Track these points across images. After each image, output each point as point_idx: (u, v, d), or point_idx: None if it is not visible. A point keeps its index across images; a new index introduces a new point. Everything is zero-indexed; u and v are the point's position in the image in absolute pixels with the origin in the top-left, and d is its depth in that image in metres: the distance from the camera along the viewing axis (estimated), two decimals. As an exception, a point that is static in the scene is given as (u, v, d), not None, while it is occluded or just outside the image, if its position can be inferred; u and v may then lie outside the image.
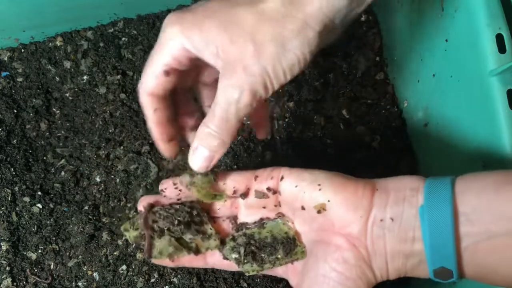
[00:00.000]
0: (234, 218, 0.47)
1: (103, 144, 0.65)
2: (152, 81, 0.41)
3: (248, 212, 0.46)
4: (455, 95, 0.54)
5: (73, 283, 0.60)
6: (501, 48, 0.46)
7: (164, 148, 0.45)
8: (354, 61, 0.72)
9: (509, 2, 0.46)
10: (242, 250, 0.44)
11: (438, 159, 0.60)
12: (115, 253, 0.60)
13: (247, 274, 0.45)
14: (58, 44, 0.71)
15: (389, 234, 0.40)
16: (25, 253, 0.61)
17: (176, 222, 0.45)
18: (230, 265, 0.46)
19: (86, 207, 0.62)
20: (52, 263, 0.61)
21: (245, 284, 0.57)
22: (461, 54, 0.51)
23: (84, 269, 0.60)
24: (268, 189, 0.43)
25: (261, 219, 0.46)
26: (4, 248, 0.60)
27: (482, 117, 0.49)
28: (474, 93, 0.50)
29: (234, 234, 0.46)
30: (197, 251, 0.45)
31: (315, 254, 0.43)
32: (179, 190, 0.45)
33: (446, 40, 0.53)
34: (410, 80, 0.65)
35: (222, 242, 0.46)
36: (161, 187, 0.45)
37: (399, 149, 0.66)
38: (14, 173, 0.64)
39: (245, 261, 0.44)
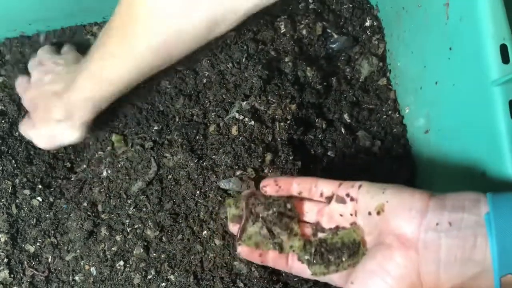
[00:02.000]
0: (316, 224, 0.51)
1: (106, 137, 0.65)
2: None
3: (328, 220, 0.50)
4: (457, 103, 0.54)
5: (70, 277, 0.60)
6: (505, 59, 0.46)
7: None
8: (357, 66, 0.72)
9: (514, 13, 0.47)
10: (312, 250, 0.48)
11: (438, 166, 0.60)
12: (113, 248, 0.60)
13: (314, 276, 0.49)
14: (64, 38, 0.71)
15: (445, 238, 0.40)
16: (23, 245, 0.61)
17: (271, 211, 0.50)
18: (305, 271, 0.49)
19: (85, 204, 0.62)
20: (50, 257, 0.61)
21: (241, 284, 0.57)
22: (464, 62, 0.51)
23: (82, 264, 0.60)
24: (347, 195, 0.47)
25: (337, 227, 0.49)
26: (2, 239, 0.61)
27: (483, 127, 0.49)
28: (476, 102, 0.50)
29: (311, 239, 0.50)
30: (281, 248, 0.50)
31: (368, 254, 0.45)
32: (279, 187, 0.50)
33: (450, 48, 0.54)
34: (412, 87, 0.65)
35: (304, 245, 0.49)
36: (262, 184, 0.51)
37: (399, 155, 0.66)
38: (15, 165, 0.64)
39: (314, 261, 0.48)
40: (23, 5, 0.65)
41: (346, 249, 0.47)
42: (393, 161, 0.66)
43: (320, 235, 0.50)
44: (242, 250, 0.51)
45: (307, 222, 0.52)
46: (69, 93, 0.57)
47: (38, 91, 0.61)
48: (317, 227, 0.51)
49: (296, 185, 0.50)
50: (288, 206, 0.51)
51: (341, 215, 0.48)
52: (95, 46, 0.54)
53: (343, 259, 0.47)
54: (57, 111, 0.58)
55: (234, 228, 0.52)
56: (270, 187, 0.50)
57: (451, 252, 0.40)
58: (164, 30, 0.48)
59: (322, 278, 0.49)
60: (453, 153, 0.56)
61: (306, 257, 0.49)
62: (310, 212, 0.51)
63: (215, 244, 0.58)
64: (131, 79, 0.54)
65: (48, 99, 0.59)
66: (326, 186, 0.49)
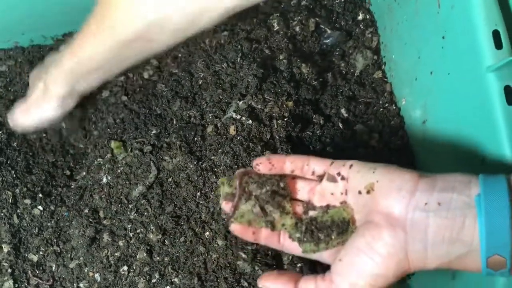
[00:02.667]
0: (307, 203, 0.51)
1: (105, 144, 0.65)
2: None
3: (319, 198, 0.50)
4: (452, 92, 0.54)
5: (74, 285, 0.60)
6: (498, 44, 0.46)
7: None
8: (352, 60, 0.72)
9: (505, -2, 0.47)
10: (303, 228, 0.49)
11: (436, 156, 0.60)
12: (116, 254, 0.60)
13: (304, 254, 0.49)
14: (58, 47, 0.71)
15: (434, 218, 0.40)
16: (26, 255, 0.61)
17: (264, 189, 0.50)
18: (297, 249, 0.50)
19: (86, 210, 0.62)
20: (54, 265, 0.61)
21: (245, 283, 0.57)
22: (458, 51, 0.51)
23: (86, 271, 0.60)
24: (338, 174, 0.48)
25: (327, 205, 0.50)
26: (5, 250, 0.61)
27: (480, 114, 0.49)
28: (471, 90, 0.50)
29: (302, 217, 0.51)
30: (273, 226, 0.50)
31: (356, 232, 0.45)
32: (272, 165, 0.50)
33: (443, 37, 0.54)
34: (408, 78, 0.65)
35: (296, 224, 0.50)
36: (256, 162, 0.50)
37: (397, 147, 0.66)
38: (15, 175, 0.64)
39: (304, 239, 0.49)
40: (14, 15, 0.65)
41: (336, 227, 0.47)
42: (392, 153, 0.66)
43: (311, 213, 0.50)
44: (235, 228, 0.51)
45: (299, 200, 0.52)
46: (49, 69, 0.58)
47: (38, 70, 0.63)
48: (308, 205, 0.51)
49: (289, 163, 0.50)
50: (281, 184, 0.51)
51: (332, 193, 0.49)
52: (85, 24, 0.55)
53: (333, 237, 0.47)
54: (37, 86, 0.60)
55: (226, 206, 0.51)
56: (263, 165, 0.50)
57: (439, 232, 0.40)
58: (147, 13, 0.48)
59: (312, 256, 0.50)
60: (452, 142, 0.56)
61: (297, 235, 0.49)
62: (302, 191, 0.52)
63: (218, 245, 0.58)
64: (109, 59, 0.54)
65: (39, 75, 0.61)
66: (318, 165, 0.50)
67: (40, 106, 0.61)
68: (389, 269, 0.42)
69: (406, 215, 0.41)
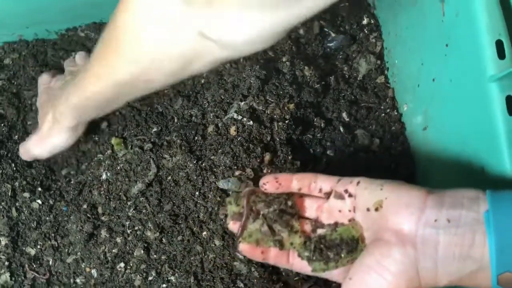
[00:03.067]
0: (315, 220, 0.51)
1: (106, 140, 0.65)
2: None
3: (327, 216, 0.50)
4: (454, 100, 0.54)
5: (71, 280, 0.60)
6: (501, 54, 0.46)
7: None
8: (355, 64, 0.72)
9: (510, 8, 0.46)
10: (312, 247, 0.49)
11: (437, 163, 0.60)
12: (113, 250, 0.60)
13: (314, 272, 0.49)
14: (61, 41, 0.71)
15: (444, 235, 0.40)
16: (24, 248, 0.61)
17: (272, 208, 0.50)
18: (306, 267, 0.50)
19: (85, 206, 0.62)
20: (51, 259, 0.61)
21: (241, 284, 0.57)
22: (461, 59, 0.51)
23: (82, 266, 0.60)
24: (346, 191, 0.47)
25: (336, 223, 0.49)
26: (3, 243, 0.61)
27: (481, 123, 0.49)
28: (473, 99, 0.50)
29: (311, 235, 0.50)
30: (281, 245, 0.50)
31: (366, 250, 0.45)
32: (279, 184, 0.50)
33: (447, 45, 0.54)
34: (410, 84, 0.65)
35: (304, 242, 0.50)
36: (263, 181, 0.51)
37: (398, 153, 0.66)
38: (15, 168, 0.64)
39: (314, 258, 0.48)
40: (19, 8, 0.65)
41: (345, 245, 0.47)
42: (392, 159, 0.66)
43: (319, 231, 0.50)
44: (244, 248, 0.51)
45: (307, 218, 0.52)
46: (58, 101, 0.61)
47: (47, 96, 0.66)
48: (317, 223, 0.51)
49: (296, 182, 0.50)
50: (289, 203, 0.51)
51: (339, 211, 0.49)
52: (88, 60, 0.58)
53: (342, 255, 0.47)
54: (48, 116, 0.63)
55: (234, 226, 0.52)
56: (270, 184, 0.50)
57: (449, 248, 0.40)
58: (143, 58, 0.50)
59: (322, 275, 0.49)
60: (452, 150, 0.56)
61: (306, 254, 0.49)
62: (309, 208, 0.52)
63: (215, 245, 0.58)
64: (113, 97, 0.57)
65: (47, 105, 0.64)
66: (325, 182, 0.49)
67: (52, 138, 0.64)
68: (400, 287, 0.41)
69: (416, 232, 0.41)
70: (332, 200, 0.49)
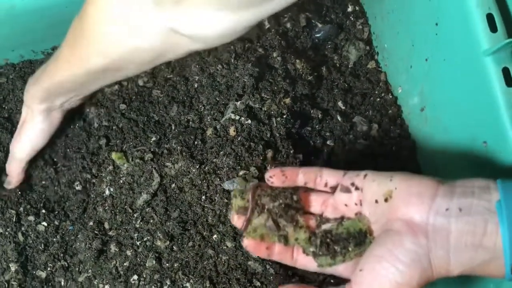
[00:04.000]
0: (320, 215, 0.51)
1: (106, 157, 0.65)
2: None
3: (332, 211, 0.50)
4: (450, 77, 0.54)
5: (85, 298, 0.60)
6: (493, 28, 0.46)
7: None
8: (344, 53, 0.72)
9: (497, -18, 0.47)
10: (318, 242, 0.48)
11: (437, 142, 0.60)
12: (124, 264, 0.60)
13: (319, 268, 0.48)
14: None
15: (455, 224, 0.40)
16: (34, 272, 0.61)
17: (277, 203, 0.49)
18: (311, 263, 0.49)
19: (91, 223, 0.62)
20: (63, 280, 0.61)
21: (258, 283, 0.57)
22: (453, 36, 0.52)
23: (95, 283, 0.60)
24: (352, 184, 0.47)
25: (342, 217, 0.49)
26: (13, 269, 0.60)
27: (479, 97, 0.49)
28: (469, 74, 0.50)
29: (315, 231, 0.50)
30: (286, 241, 0.49)
31: (375, 241, 0.45)
32: (285, 177, 0.49)
33: (436, 24, 0.54)
34: (402, 67, 0.65)
35: (309, 238, 0.49)
36: (269, 174, 0.50)
37: (397, 135, 0.67)
38: (19, 193, 0.64)
39: (320, 253, 0.48)
40: (3, 31, 0.64)
41: (352, 238, 0.47)
42: (393, 142, 0.66)
43: (325, 226, 0.50)
44: (249, 244, 0.50)
45: (312, 214, 0.52)
46: (28, 90, 0.61)
47: None
48: (322, 218, 0.50)
49: (302, 176, 0.50)
50: (295, 198, 0.50)
51: (346, 205, 0.48)
52: (59, 47, 0.57)
53: (350, 249, 0.47)
54: (22, 110, 0.63)
55: (238, 220, 0.51)
56: (276, 177, 0.49)
57: (461, 237, 0.40)
58: (113, 51, 0.51)
59: (328, 270, 0.49)
60: (452, 127, 0.56)
61: (312, 249, 0.49)
62: (314, 203, 0.51)
63: (227, 247, 0.58)
64: (83, 83, 0.58)
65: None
66: (331, 176, 0.49)
67: (27, 130, 0.62)
68: (413, 277, 0.41)
69: (427, 221, 0.41)
70: (338, 194, 0.49)
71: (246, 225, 0.49)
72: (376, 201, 0.45)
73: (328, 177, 0.49)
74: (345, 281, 0.46)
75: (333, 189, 0.49)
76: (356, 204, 0.47)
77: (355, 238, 0.46)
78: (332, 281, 0.58)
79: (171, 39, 0.49)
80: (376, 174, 0.46)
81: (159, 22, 0.47)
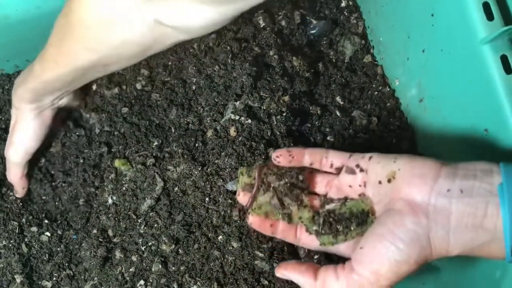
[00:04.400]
0: (324, 196, 0.52)
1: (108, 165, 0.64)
2: None
3: (337, 191, 0.51)
4: (448, 67, 0.54)
5: (93, 306, 0.59)
6: (489, 16, 0.47)
7: None
8: (340, 48, 0.72)
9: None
10: (321, 221, 0.49)
11: (437, 132, 0.60)
12: (130, 269, 0.59)
13: (322, 246, 0.50)
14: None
15: (456, 204, 0.40)
16: (40, 282, 0.61)
17: (283, 181, 0.50)
18: (314, 242, 0.50)
19: (95, 231, 0.61)
20: (69, 289, 0.60)
21: (266, 282, 0.57)
22: (449, 26, 0.52)
23: (102, 290, 0.60)
24: (357, 166, 0.48)
25: (345, 198, 0.50)
26: (18, 280, 0.60)
27: (478, 86, 0.50)
28: (467, 63, 0.50)
29: (319, 210, 0.51)
30: (290, 219, 0.50)
31: (377, 220, 0.45)
32: (292, 157, 0.50)
33: (432, 15, 0.54)
34: (399, 59, 0.65)
35: (313, 217, 0.50)
36: (275, 154, 0.50)
37: (397, 128, 0.67)
38: (21, 204, 0.64)
39: (322, 231, 0.49)
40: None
41: (355, 218, 0.48)
42: (392, 135, 0.66)
43: (328, 206, 0.51)
44: (254, 221, 0.51)
45: (316, 194, 0.52)
46: (15, 91, 0.61)
47: None
48: (326, 198, 0.51)
49: (308, 156, 0.50)
50: (300, 177, 0.51)
51: (350, 186, 0.49)
52: (44, 48, 0.57)
53: (352, 228, 0.48)
54: (12, 113, 0.63)
55: (244, 197, 0.51)
56: (283, 157, 0.50)
57: (462, 218, 0.40)
58: (102, 47, 0.52)
59: (330, 248, 0.50)
60: (451, 116, 0.57)
61: (315, 228, 0.49)
62: (319, 184, 0.52)
63: (233, 247, 0.58)
64: (70, 81, 0.58)
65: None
66: (336, 158, 0.50)
67: (18, 125, 0.62)
68: (411, 255, 0.42)
69: (428, 201, 0.41)
70: (342, 176, 0.49)
71: (251, 201, 0.50)
72: (380, 182, 0.45)
73: (334, 158, 0.50)
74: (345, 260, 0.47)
75: (338, 170, 0.50)
76: (360, 185, 0.48)
77: (357, 218, 0.47)
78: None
79: (157, 31, 0.51)
80: (381, 156, 0.47)
81: (146, 15, 0.49)
